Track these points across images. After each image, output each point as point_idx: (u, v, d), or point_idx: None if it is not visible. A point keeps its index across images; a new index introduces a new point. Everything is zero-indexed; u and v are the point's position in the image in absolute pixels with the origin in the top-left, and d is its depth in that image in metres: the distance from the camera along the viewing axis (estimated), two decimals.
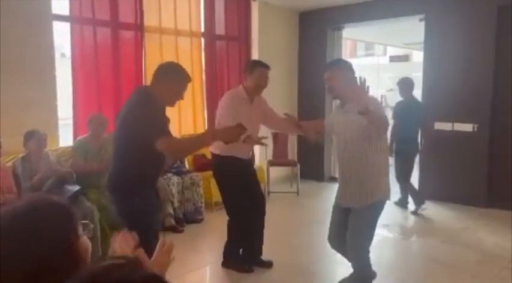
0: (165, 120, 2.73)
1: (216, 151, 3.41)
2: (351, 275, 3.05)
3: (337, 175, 6.89)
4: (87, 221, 0.98)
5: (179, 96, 2.60)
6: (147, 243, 2.33)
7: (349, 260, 3.01)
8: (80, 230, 0.95)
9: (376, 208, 2.84)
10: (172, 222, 4.48)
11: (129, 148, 2.47)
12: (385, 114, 2.76)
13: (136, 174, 2.50)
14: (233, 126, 2.56)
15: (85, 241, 0.96)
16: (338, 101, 3.03)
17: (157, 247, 1.38)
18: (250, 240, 3.60)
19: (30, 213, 0.91)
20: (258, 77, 3.36)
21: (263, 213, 3.61)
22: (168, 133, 2.50)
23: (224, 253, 3.64)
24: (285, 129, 3.64)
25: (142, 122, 2.37)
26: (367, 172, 2.78)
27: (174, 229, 4.42)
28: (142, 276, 0.69)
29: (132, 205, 2.50)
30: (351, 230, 2.86)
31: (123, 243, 1.37)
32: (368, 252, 2.92)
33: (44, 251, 0.89)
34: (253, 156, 3.72)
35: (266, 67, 3.42)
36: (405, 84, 5.19)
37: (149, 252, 2.32)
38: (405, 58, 11.51)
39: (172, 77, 2.55)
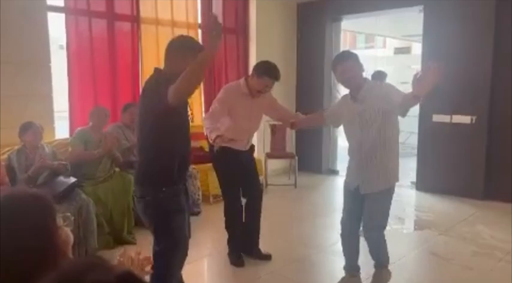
0: None
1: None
2: (380, 268, 3.14)
3: (336, 168, 6.95)
4: (68, 213, 0.97)
5: None
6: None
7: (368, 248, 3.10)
8: (60, 221, 0.94)
9: (392, 191, 2.97)
10: None
11: (153, 136, 2.34)
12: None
13: (162, 166, 2.37)
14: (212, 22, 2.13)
15: (65, 232, 0.95)
16: (343, 93, 3.09)
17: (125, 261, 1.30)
18: (246, 230, 3.61)
19: (7, 203, 0.90)
20: (262, 84, 3.32)
21: (258, 205, 3.60)
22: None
23: (227, 243, 3.69)
24: (284, 122, 3.61)
25: (156, 95, 2.24)
26: (389, 157, 2.89)
27: None
28: (116, 275, 0.68)
29: (157, 201, 2.37)
30: (373, 215, 2.97)
31: (128, 264, 1.29)
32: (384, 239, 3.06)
33: (21, 237, 0.89)
34: (253, 147, 3.68)
35: (274, 78, 3.35)
36: (379, 77, 5.45)
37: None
38: (407, 50, 11.46)
39: (184, 52, 2.36)
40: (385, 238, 3.05)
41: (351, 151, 3.05)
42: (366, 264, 3.18)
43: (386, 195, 2.95)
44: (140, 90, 4.98)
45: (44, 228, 0.93)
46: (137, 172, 2.45)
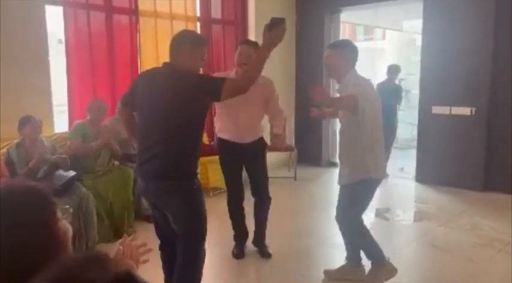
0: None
1: (217, 134, 3.59)
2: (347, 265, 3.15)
3: (336, 160, 6.94)
4: (67, 206, 0.97)
5: (201, 63, 2.49)
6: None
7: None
8: (59, 214, 0.94)
9: (357, 187, 2.86)
10: None
11: (188, 129, 2.37)
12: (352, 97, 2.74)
13: (195, 157, 2.46)
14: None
15: (64, 224, 0.95)
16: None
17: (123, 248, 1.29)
18: (242, 221, 3.66)
19: (5, 196, 0.90)
20: (238, 54, 3.27)
21: (262, 204, 3.57)
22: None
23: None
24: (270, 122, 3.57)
25: (201, 83, 2.35)
26: (351, 151, 2.87)
27: None
28: (114, 274, 0.67)
29: (192, 196, 2.44)
30: (338, 207, 3.02)
31: (128, 253, 1.29)
32: (357, 233, 3.01)
33: (22, 233, 0.88)
34: (259, 143, 3.53)
35: (248, 44, 3.33)
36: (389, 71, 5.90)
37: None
38: (412, 42, 11.35)
39: (193, 48, 2.40)
40: (358, 237, 3.03)
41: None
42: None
43: (346, 190, 2.93)
44: None
45: (44, 221, 0.92)
46: (165, 165, 2.36)
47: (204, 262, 2.57)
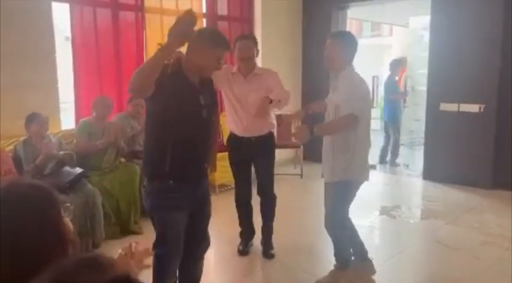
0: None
1: (229, 129, 3.59)
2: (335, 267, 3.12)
3: None
4: (68, 204, 0.96)
5: (216, 64, 2.29)
6: None
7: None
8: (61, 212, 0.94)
9: (337, 188, 2.84)
10: None
11: (150, 127, 2.32)
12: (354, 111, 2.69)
13: (155, 160, 2.30)
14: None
15: (67, 222, 0.95)
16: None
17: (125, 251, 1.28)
18: (247, 218, 3.65)
19: (10, 194, 0.89)
20: (238, 50, 3.27)
21: (266, 201, 3.55)
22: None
23: None
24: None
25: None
26: (337, 151, 2.81)
27: None
28: (111, 277, 0.66)
29: (147, 194, 2.35)
30: (325, 208, 2.99)
31: (129, 257, 1.27)
32: (341, 232, 2.98)
33: (27, 230, 0.88)
34: (264, 139, 3.46)
35: (246, 38, 3.34)
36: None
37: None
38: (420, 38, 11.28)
39: (203, 43, 2.24)
40: (341, 237, 3.01)
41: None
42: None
43: (330, 188, 2.89)
44: None
45: (49, 218, 0.92)
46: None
47: (161, 268, 2.33)
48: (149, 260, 1.31)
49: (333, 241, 3.03)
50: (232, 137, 3.50)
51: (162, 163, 2.23)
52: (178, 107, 2.21)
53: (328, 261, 3.56)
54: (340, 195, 2.85)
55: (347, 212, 2.96)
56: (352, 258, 3.13)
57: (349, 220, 3.03)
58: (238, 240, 3.69)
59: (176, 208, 2.28)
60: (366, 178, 2.90)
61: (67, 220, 0.96)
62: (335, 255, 3.08)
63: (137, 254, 1.25)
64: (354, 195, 2.90)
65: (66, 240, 0.93)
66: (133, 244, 1.25)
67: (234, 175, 3.59)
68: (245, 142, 3.42)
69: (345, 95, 2.70)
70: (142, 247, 1.28)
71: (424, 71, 5.71)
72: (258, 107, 3.23)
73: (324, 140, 2.93)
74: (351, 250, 3.10)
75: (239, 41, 3.32)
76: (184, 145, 2.26)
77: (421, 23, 7.43)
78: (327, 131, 2.81)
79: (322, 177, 2.99)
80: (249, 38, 3.38)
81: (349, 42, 2.81)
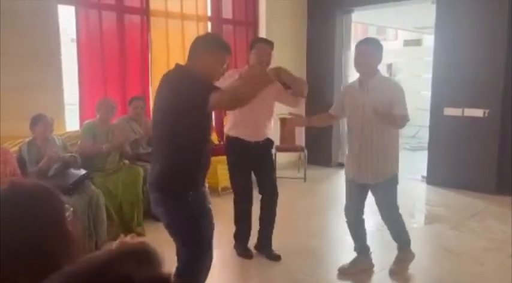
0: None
1: (228, 133, 3.55)
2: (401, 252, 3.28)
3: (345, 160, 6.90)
4: (66, 205, 0.97)
5: (221, 69, 2.35)
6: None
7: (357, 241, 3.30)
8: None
9: (395, 181, 3.12)
10: None
11: (180, 137, 2.20)
12: (405, 109, 2.94)
13: (189, 169, 2.26)
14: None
15: (72, 223, 0.96)
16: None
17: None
18: (248, 223, 3.60)
19: (15, 195, 0.90)
20: (258, 53, 3.27)
21: (270, 204, 3.53)
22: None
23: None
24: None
25: (193, 88, 2.13)
26: (387, 149, 3.00)
27: None
28: (151, 275, 0.62)
29: (185, 207, 2.26)
30: (383, 205, 3.16)
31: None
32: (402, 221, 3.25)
33: (36, 233, 0.89)
34: (268, 142, 3.53)
35: (267, 43, 3.34)
36: None
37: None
38: (417, 42, 11.28)
39: (212, 52, 2.27)
40: (402, 222, 3.27)
41: (352, 140, 3.12)
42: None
43: (391, 183, 3.09)
44: (149, 83, 5.06)
45: (54, 218, 0.93)
46: (157, 174, 2.28)
47: (201, 278, 2.39)
48: None
49: (397, 229, 3.25)
50: (234, 140, 3.46)
51: (197, 173, 2.31)
52: (208, 120, 2.31)
53: (331, 264, 3.56)
54: (395, 187, 3.14)
55: None
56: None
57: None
58: None
59: (210, 212, 2.41)
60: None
61: (71, 221, 0.97)
62: (397, 239, 3.27)
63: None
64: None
65: (70, 241, 0.93)
66: (129, 239, 1.25)
67: (234, 179, 3.51)
68: (253, 146, 3.43)
69: (392, 97, 2.90)
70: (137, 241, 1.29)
71: (427, 74, 5.70)
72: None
73: (368, 143, 3.02)
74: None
75: (259, 43, 3.33)
76: (208, 155, 2.40)
77: (426, 27, 7.42)
78: (392, 121, 2.94)
79: (361, 181, 3.11)
80: (269, 42, 3.35)
81: (380, 48, 3.01)
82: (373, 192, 3.14)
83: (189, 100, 2.12)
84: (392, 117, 2.87)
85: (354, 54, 3.02)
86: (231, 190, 4.98)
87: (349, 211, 3.24)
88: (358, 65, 3.00)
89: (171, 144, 2.23)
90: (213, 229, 2.46)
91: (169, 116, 2.19)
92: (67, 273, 0.62)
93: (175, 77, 2.27)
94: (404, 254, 3.29)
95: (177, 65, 2.36)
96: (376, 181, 3.06)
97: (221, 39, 2.42)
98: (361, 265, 3.28)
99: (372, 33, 15.95)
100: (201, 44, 2.32)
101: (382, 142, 2.98)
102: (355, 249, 3.30)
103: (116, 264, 0.63)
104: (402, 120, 2.92)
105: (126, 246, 0.76)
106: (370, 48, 2.97)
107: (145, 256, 0.67)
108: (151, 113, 4.75)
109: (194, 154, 2.27)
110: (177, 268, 2.36)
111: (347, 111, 3.13)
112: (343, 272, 3.28)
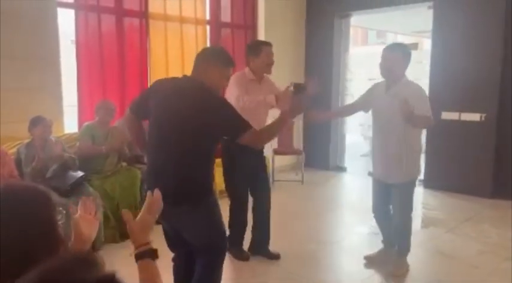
0: None
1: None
2: (399, 250, 3.36)
3: (343, 165, 6.93)
4: (60, 208, 0.99)
5: (226, 83, 2.54)
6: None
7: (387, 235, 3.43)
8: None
9: (414, 184, 3.21)
10: None
11: (201, 151, 2.28)
12: (428, 111, 3.02)
13: (209, 175, 2.39)
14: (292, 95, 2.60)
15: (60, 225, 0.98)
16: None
17: (144, 206, 1.40)
18: (256, 228, 3.61)
19: (7, 196, 0.92)
20: (266, 56, 3.39)
21: (266, 206, 3.57)
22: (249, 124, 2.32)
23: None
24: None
25: (229, 120, 2.25)
26: (409, 152, 3.07)
27: None
28: (98, 277, 0.68)
29: (212, 210, 2.37)
30: (398, 205, 3.21)
31: (83, 212, 1.39)
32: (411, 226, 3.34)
33: (26, 234, 0.90)
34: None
35: (270, 45, 3.48)
36: None
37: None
38: (414, 46, 11.32)
39: (220, 68, 2.39)
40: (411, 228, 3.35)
41: (377, 142, 3.24)
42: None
43: (410, 185, 3.17)
44: (148, 85, 5.07)
45: (45, 219, 0.94)
46: (178, 187, 2.25)
47: (220, 279, 2.49)
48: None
49: (407, 232, 3.32)
50: (237, 146, 3.43)
51: (212, 180, 2.47)
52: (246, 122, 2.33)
53: (331, 267, 3.59)
54: (413, 191, 3.20)
55: None
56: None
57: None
58: None
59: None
60: (420, 173, 3.31)
61: (64, 223, 0.99)
62: (402, 244, 3.34)
63: (150, 207, 1.40)
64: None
65: (58, 243, 0.95)
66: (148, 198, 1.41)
67: (238, 186, 3.50)
68: (251, 151, 3.45)
69: (416, 100, 2.91)
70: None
71: (425, 79, 5.73)
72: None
73: (386, 142, 3.13)
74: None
75: (265, 47, 3.44)
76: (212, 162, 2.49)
77: (424, 31, 7.44)
78: (419, 122, 2.99)
79: (385, 180, 3.21)
80: (270, 44, 3.49)
81: (405, 54, 3.07)
82: (392, 192, 3.24)
83: (221, 130, 2.30)
84: (415, 115, 2.85)
85: (381, 60, 3.11)
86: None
87: (374, 208, 3.40)
88: (381, 71, 3.10)
89: (196, 158, 2.27)
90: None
91: (199, 136, 2.24)
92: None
93: (205, 100, 2.26)
94: (401, 260, 3.35)
95: (192, 80, 2.36)
96: (393, 182, 3.16)
97: (227, 54, 2.50)
98: (384, 257, 3.41)
99: (372, 37, 16.06)
100: (209, 57, 2.41)
101: (399, 146, 3.06)
102: (382, 241, 3.49)
103: (67, 270, 0.67)
104: (426, 120, 2.99)
105: (72, 253, 0.80)
106: (393, 55, 3.04)
107: (91, 260, 0.72)
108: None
109: (210, 163, 2.42)
110: (201, 275, 2.40)
111: (369, 108, 3.28)
112: (370, 261, 3.45)
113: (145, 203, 1.42)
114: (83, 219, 1.34)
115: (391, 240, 3.41)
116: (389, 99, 3.04)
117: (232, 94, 3.30)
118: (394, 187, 3.18)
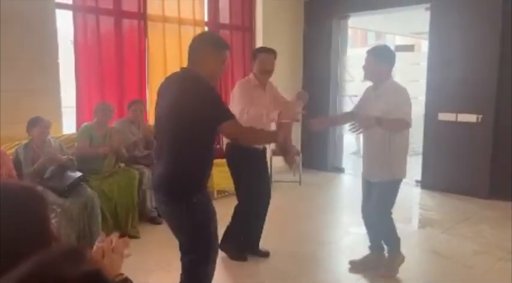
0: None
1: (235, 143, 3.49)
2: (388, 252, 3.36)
3: (341, 165, 6.95)
4: (54, 206, 1.02)
5: (222, 66, 2.34)
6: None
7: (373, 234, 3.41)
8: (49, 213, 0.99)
9: (396, 185, 3.18)
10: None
11: (189, 142, 2.19)
12: (405, 114, 3.00)
13: (196, 172, 2.28)
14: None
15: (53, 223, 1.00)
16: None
17: (105, 246, 1.24)
18: (252, 228, 3.63)
19: (3, 195, 0.94)
20: (261, 63, 3.41)
21: (266, 206, 3.61)
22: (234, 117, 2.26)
23: (224, 236, 3.57)
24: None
25: (209, 105, 2.14)
26: (393, 152, 3.09)
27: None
28: (84, 271, 0.67)
29: (193, 209, 2.24)
30: (375, 203, 3.21)
31: (109, 249, 1.25)
32: (391, 225, 3.30)
33: (19, 231, 0.92)
34: (265, 147, 3.67)
35: (269, 52, 3.45)
36: None
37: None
38: (410, 48, 11.30)
39: (210, 48, 2.27)
40: (392, 227, 3.31)
41: (363, 139, 3.31)
42: None
43: (388, 185, 3.16)
44: (147, 86, 5.11)
45: (37, 217, 0.96)
46: (165, 176, 2.27)
47: (209, 279, 2.42)
48: (128, 251, 1.31)
49: (385, 231, 3.32)
50: (252, 149, 3.38)
51: (204, 177, 2.35)
52: (215, 128, 2.24)
53: (328, 268, 3.60)
54: (395, 191, 3.19)
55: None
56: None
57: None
58: None
59: (215, 214, 2.41)
60: (405, 175, 3.23)
61: (52, 222, 1.01)
62: (386, 242, 3.35)
63: (117, 246, 1.24)
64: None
65: (50, 242, 0.97)
66: (113, 238, 1.26)
67: (253, 186, 3.47)
68: (261, 152, 3.50)
69: (394, 102, 2.98)
70: (120, 239, 1.29)
71: (422, 80, 5.76)
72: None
73: (369, 141, 3.20)
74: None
75: (262, 53, 3.45)
76: (213, 158, 2.43)
77: (422, 32, 7.46)
78: (390, 126, 3.00)
79: (367, 178, 3.25)
80: (271, 51, 3.46)
81: (386, 56, 3.10)
82: (372, 190, 3.25)
83: (202, 117, 2.14)
84: (385, 120, 2.91)
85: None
86: (227, 194, 5.05)
87: (363, 207, 3.38)
88: (364, 73, 3.16)
89: (180, 150, 2.21)
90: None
91: (181, 124, 2.18)
92: (7, 279, 0.67)
93: (188, 86, 2.21)
94: (393, 257, 3.35)
95: (184, 70, 2.33)
96: (374, 180, 3.19)
97: (217, 37, 2.45)
98: (370, 263, 3.37)
99: (371, 39, 16.06)
100: (200, 44, 2.30)
101: (383, 145, 3.08)
102: (369, 247, 3.43)
103: (53, 264, 0.68)
104: (400, 124, 2.98)
105: (58, 247, 0.80)
106: (374, 58, 3.08)
107: (78, 255, 0.72)
108: (148, 116, 4.86)
109: (203, 159, 2.29)
110: (184, 273, 2.37)
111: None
112: (354, 266, 3.42)
113: (111, 246, 1.27)
114: (107, 255, 1.23)
115: (378, 243, 3.38)
116: (374, 100, 3.11)
117: (236, 106, 3.25)
118: (375, 186, 3.19)
